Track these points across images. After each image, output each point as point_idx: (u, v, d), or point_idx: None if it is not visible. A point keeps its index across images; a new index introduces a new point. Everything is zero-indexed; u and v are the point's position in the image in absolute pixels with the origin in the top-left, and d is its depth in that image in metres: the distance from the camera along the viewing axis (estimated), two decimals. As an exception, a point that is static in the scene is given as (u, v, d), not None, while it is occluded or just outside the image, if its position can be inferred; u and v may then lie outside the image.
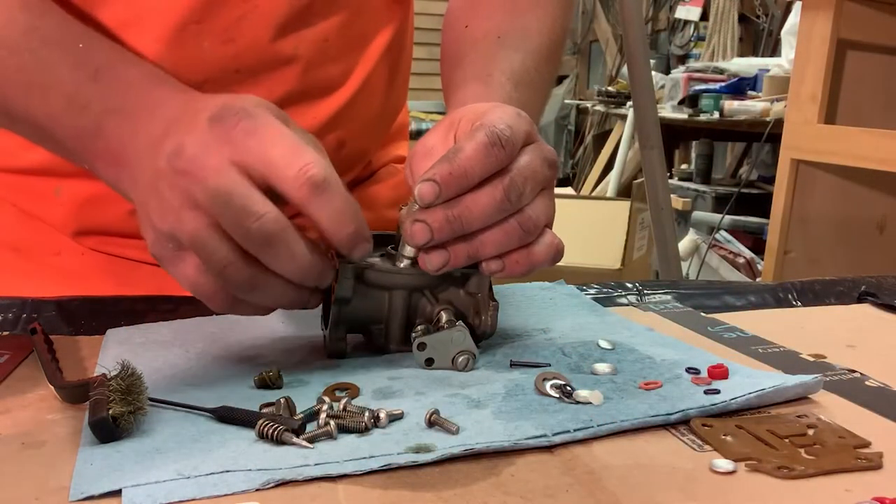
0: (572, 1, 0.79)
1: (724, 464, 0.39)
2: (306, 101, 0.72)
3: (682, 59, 4.80)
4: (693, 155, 3.83)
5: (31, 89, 0.56)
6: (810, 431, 0.43)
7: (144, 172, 0.49)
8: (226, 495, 0.36)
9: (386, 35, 0.77)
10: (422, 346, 0.51)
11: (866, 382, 0.52)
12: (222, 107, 0.47)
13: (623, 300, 0.71)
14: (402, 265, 0.52)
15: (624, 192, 3.83)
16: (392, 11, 0.77)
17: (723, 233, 2.98)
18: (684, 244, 2.78)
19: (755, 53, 4.30)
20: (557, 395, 0.46)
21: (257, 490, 0.36)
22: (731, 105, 3.05)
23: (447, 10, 0.77)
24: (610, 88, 4.57)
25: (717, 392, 0.46)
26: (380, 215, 0.81)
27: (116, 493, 0.36)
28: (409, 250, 0.51)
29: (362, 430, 0.42)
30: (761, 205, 2.97)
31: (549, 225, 0.52)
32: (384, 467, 0.38)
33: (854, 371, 0.53)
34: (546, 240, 0.51)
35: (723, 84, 3.28)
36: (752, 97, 3.11)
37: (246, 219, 0.44)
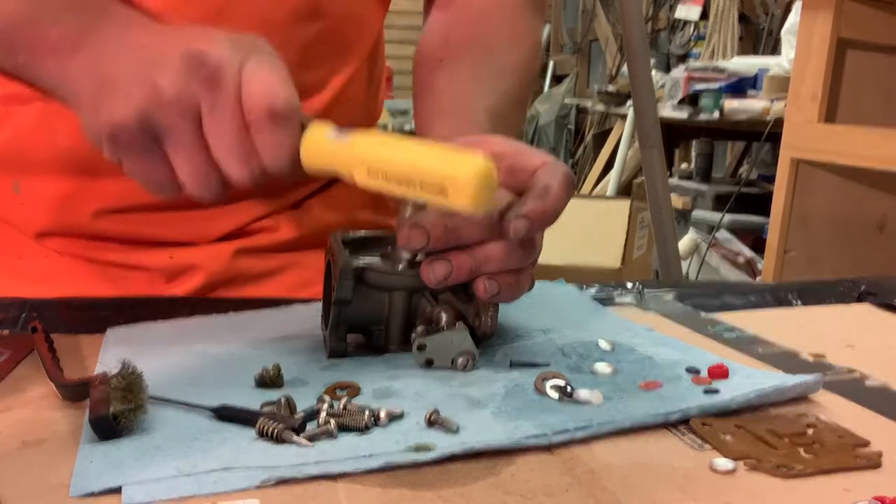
0: (540, 46, 0.80)
1: (723, 463, 0.39)
2: None
3: (682, 59, 4.79)
4: (693, 154, 3.82)
5: None
6: (810, 431, 0.43)
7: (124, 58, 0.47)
8: (225, 493, 0.36)
9: (365, 45, 0.77)
10: (422, 347, 0.51)
11: (866, 382, 0.52)
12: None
13: (623, 300, 0.71)
14: (400, 266, 0.52)
15: (624, 191, 3.83)
16: (371, 23, 0.78)
17: (723, 232, 2.98)
18: (684, 243, 2.78)
19: (755, 53, 4.29)
20: (557, 395, 0.46)
21: (257, 488, 0.36)
22: (731, 104, 3.05)
23: (420, 41, 0.77)
24: (610, 88, 4.56)
25: (717, 392, 0.46)
26: (353, 216, 0.81)
27: (116, 490, 0.36)
28: (406, 252, 0.52)
29: (362, 429, 0.42)
30: (761, 204, 2.96)
31: (536, 259, 0.53)
32: (384, 466, 0.38)
33: (854, 371, 0.53)
34: (531, 271, 0.53)
35: (723, 83, 3.28)
36: (752, 96, 3.11)
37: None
